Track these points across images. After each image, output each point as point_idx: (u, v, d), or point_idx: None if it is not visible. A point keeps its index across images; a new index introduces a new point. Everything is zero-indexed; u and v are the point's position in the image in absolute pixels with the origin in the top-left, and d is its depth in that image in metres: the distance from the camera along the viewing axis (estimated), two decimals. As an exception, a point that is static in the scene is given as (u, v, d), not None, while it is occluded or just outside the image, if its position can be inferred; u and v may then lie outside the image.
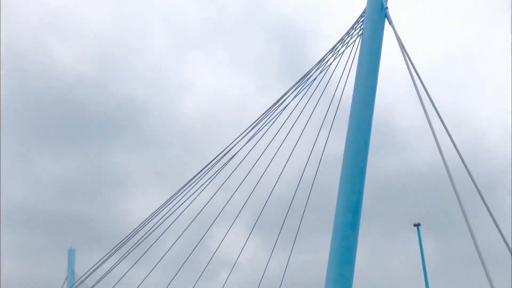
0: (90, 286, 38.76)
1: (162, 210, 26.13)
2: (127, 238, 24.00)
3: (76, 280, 48.80)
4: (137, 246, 22.73)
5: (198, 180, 17.09)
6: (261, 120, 15.81)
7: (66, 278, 62.88)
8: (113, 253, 25.27)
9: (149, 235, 23.03)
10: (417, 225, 20.03)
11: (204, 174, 16.34)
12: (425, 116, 11.39)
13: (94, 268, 29.26)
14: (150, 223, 24.57)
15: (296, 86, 16.52)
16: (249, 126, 15.65)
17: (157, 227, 20.70)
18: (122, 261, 25.58)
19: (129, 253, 23.37)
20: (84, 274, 36.15)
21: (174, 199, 26.14)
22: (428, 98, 11.95)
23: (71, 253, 68.42)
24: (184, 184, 19.17)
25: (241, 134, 15.71)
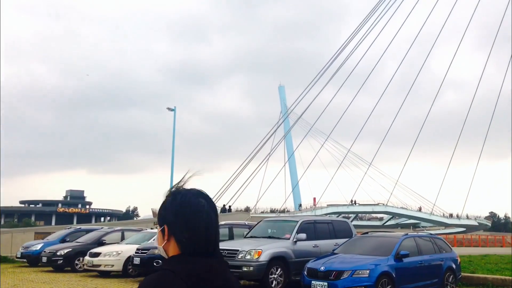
0: (300, 115, 41.31)
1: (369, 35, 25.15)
2: (328, 64, 24.14)
3: (287, 110, 52.98)
4: (338, 69, 22.81)
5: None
6: None
7: (280, 112, 68.80)
8: (317, 81, 25.77)
9: (350, 55, 22.64)
10: None
11: None
12: None
13: (300, 97, 30.65)
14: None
15: None
16: None
17: (355, 48, 20.18)
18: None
19: (331, 79, 23.64)
20: (292, 104, 38.34)
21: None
22: None
23: (281, 89, 73.89)
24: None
25: None
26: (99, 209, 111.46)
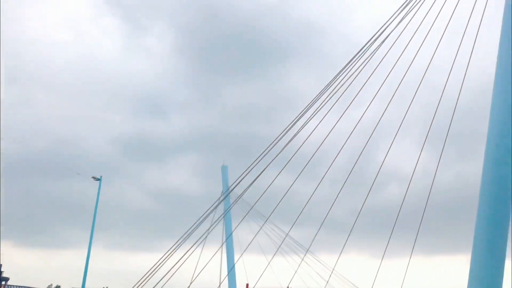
0: (239, 194, 40.20)
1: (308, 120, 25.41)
2: (268, 148, 24.23)
3: (228, 191, 52.49)
4: (279, 153, 22.83)
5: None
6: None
7: (222, 192, 68.17)
8: (257, 163, 25.63)
9: (290, 141, 22.81)
10: None
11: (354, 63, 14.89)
12: None
13: (240, 178, 30.31)
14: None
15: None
16: (399, 8, 14.16)
17: (297, 131, 20.24)
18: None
19: (272, 161, 23.62)
20: (232, 185, 37.97)
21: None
22: None
23: (224, 169, 73.63)
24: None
25: (392, 16, 14.28)
26: (16, 286, 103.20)
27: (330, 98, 15.43)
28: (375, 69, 14.92)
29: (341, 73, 15.43)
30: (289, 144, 22.45)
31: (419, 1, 14.77)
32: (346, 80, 15.42)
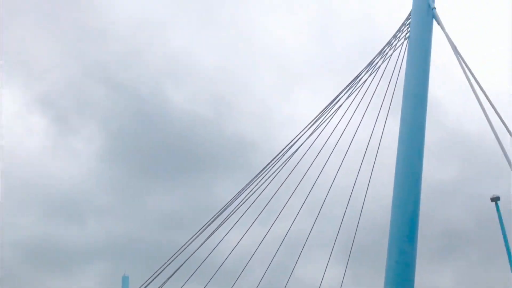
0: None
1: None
2: (173, 256, 23.05)
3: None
4: (184, 262, 21.70)
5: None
6: (318, 119, 15.00)
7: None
8: (159, 273, 24.36)
9: (197, 249, 21.92)
10: (495, 199, 17.91)
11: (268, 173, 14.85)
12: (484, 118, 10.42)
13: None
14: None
15: (348, 87, 16.29)
16: (307, 125, 14.82)
17: (205, 239, 19.55)
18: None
19: (175, 272, 22.35)
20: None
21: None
22: (485, 97, 11.28)
23: (124, 280, 68.63)
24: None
25: (300, 132, 14.88)
26: None
27: (242, 204, 15.17)
28: (286, 179, 15.08)
29: (255, 179, 15.48)
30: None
31: (331, 115, 15.57)
32: (259, 187, 15.39)
